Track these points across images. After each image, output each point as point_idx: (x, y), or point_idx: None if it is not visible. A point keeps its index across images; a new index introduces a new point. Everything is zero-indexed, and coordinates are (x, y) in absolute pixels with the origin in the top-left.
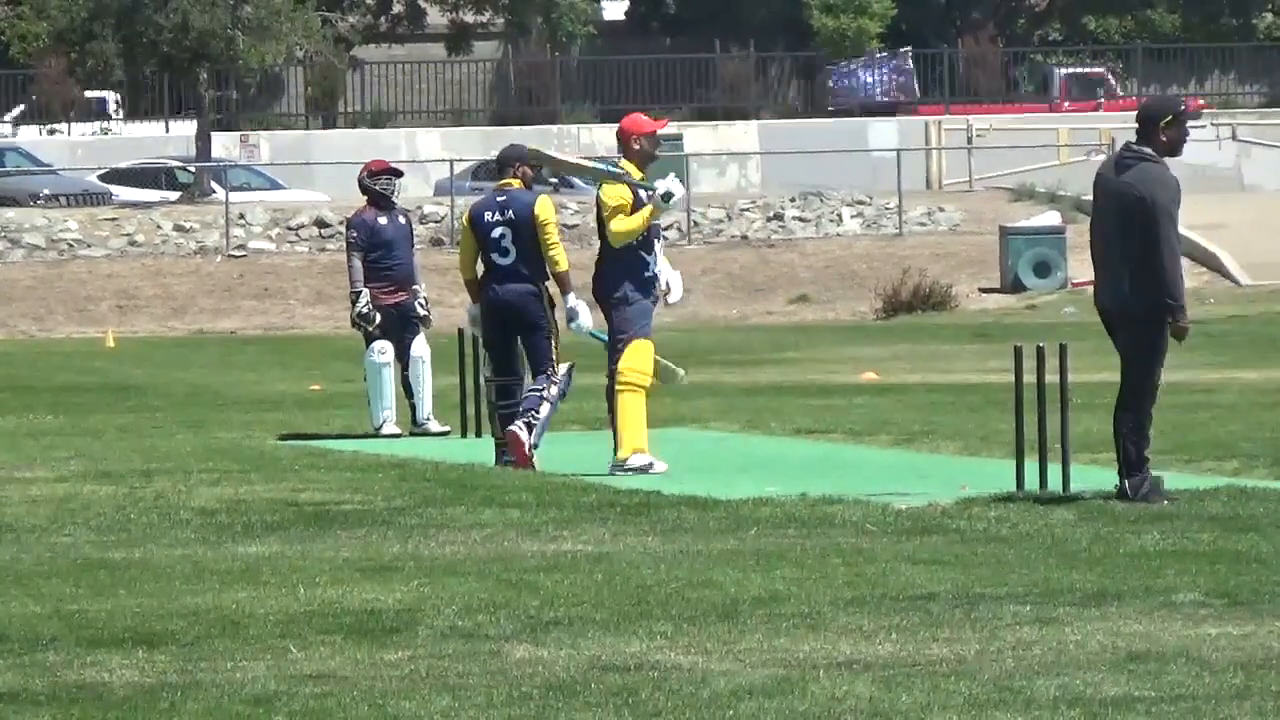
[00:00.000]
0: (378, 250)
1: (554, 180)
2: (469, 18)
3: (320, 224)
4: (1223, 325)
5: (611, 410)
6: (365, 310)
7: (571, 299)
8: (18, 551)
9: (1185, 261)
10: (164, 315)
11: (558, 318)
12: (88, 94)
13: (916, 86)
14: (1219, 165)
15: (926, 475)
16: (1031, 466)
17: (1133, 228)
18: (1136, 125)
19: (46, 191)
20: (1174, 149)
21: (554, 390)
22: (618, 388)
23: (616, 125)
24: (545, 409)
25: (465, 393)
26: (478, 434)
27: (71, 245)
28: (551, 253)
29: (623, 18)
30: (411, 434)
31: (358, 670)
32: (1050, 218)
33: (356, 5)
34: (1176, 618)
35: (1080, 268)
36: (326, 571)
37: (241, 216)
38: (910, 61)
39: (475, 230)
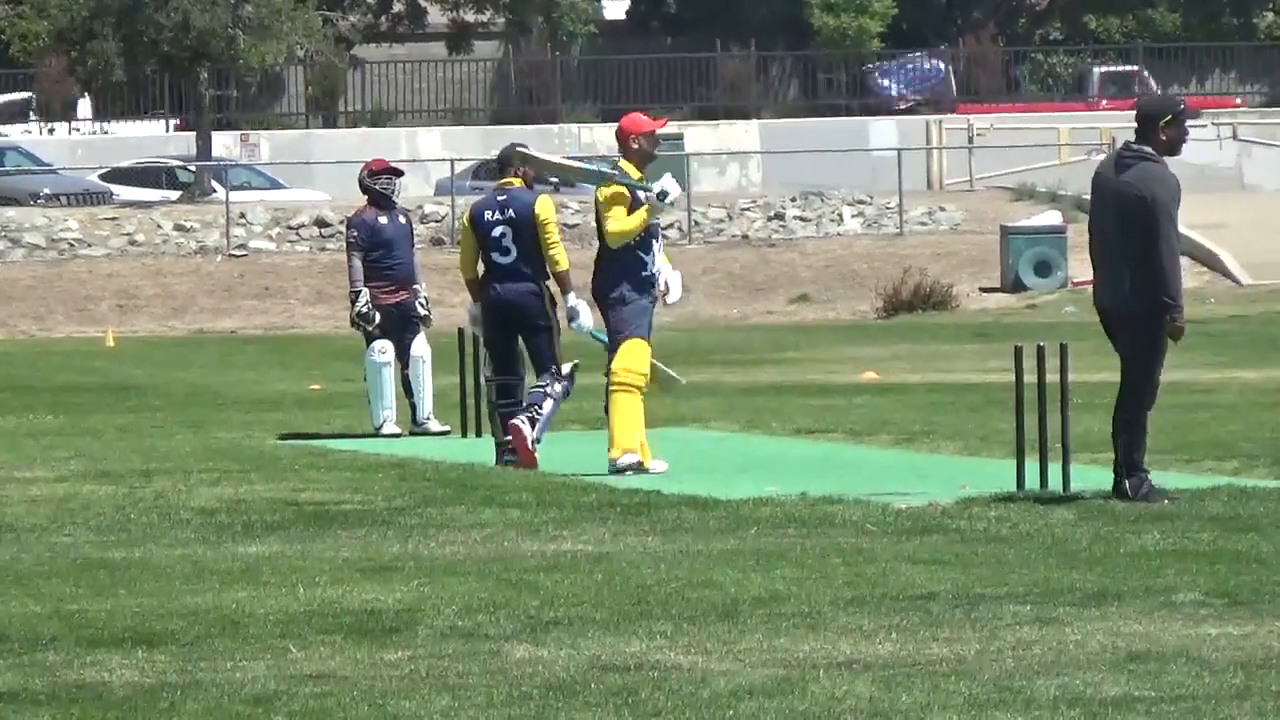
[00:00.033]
0: (378, 250)
1: (555, 180)
2: (470, 17)
3: (321, 223)
4: (1223, 325)
5: (608, 410)
6: (365, 310)
7: (572, 298)
8: (18, 551)
9: (1185, 261)
10: (164, 315)
11: (559, 317)
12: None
13: (954, 85)
14: (1219, 165)
15: (926, 475)
16: (1032, 466)
17: (1133, 227)
18: (1135, 124)
19: (47, 191)
20: (1173, 148)
21: (558, 388)
22: (611, 387)
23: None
24: (549, 405)
25: (465, 392)
26: (478, 434)
27: (72, 245)
28: (552, 252)
29: (623, 17)
30: (411, 434)
31: (358, 670)
32: (1051, 217)
33: (357, 4)
34: (1176, 618)
35: (1081, 267)
36: (326, 571)
37: (242, 216)
38: (942, 62)
39: (476, 229)
